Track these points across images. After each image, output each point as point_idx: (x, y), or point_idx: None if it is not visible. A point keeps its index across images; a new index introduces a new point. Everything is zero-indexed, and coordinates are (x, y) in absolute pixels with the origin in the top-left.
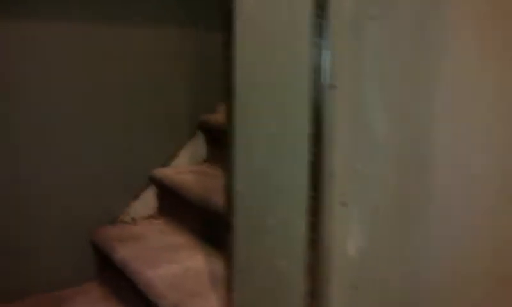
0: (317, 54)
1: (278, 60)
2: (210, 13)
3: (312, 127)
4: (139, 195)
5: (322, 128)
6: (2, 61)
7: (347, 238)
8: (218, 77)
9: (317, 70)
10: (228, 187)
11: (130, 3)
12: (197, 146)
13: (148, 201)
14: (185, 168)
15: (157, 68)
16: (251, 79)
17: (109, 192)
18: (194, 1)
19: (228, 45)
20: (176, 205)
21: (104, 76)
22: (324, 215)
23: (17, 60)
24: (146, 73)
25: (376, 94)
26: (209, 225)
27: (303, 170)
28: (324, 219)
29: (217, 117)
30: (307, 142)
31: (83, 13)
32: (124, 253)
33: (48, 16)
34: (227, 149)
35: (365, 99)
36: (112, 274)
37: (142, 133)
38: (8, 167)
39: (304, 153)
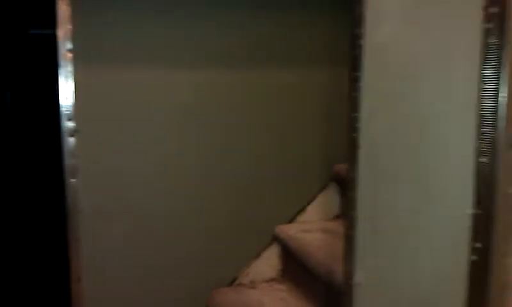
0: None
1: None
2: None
3: (477, 206)
4: (261, 254)
5: (494, 208)
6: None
7: None
8: None
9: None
10: (346, 274)
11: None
12: (329, 200)
13: (270, 261)
14: (314, 225)
15: (285, 112)
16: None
17: (228, 250)
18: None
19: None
20: (300, 270)
21: (226, 126)
22: None
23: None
24: (280, 119)
25: None
26: (336, 304)
27: (459, 276)
28: None
29: None
30: (467, 229)
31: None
32: None
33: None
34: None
35: None
36: None
37: (266, 184)
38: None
39: (461, 247)
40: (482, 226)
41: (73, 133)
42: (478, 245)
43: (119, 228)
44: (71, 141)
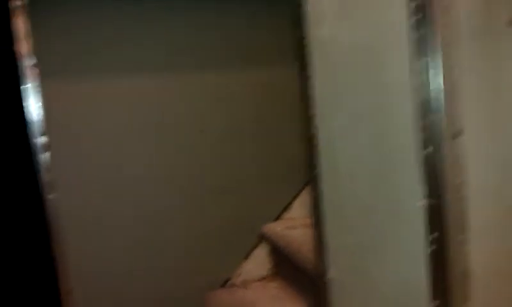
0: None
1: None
2: None
3: (428, 197)
4: (250, 254)
5: (444, 198)
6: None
7: None
8: None
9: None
10: (318, 271)
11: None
12: None
13: (260, 260)
14: (300, 221)
15: (268, 111)
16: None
17: (219, 252)
18: None
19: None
20: (290, 266)
21: (209, 125)
22: None
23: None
24: (255, 118)
25: None
26: None
27: (419, 267)
28: None
29: None
30: (422, 221)
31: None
32: None
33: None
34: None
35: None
36: None
37: (252, 183)
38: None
39: (419, 239)
40: (436, 216)
41: (47, 148)
42: (434, 235)
43: (106, 236)
44: (46, 156)
